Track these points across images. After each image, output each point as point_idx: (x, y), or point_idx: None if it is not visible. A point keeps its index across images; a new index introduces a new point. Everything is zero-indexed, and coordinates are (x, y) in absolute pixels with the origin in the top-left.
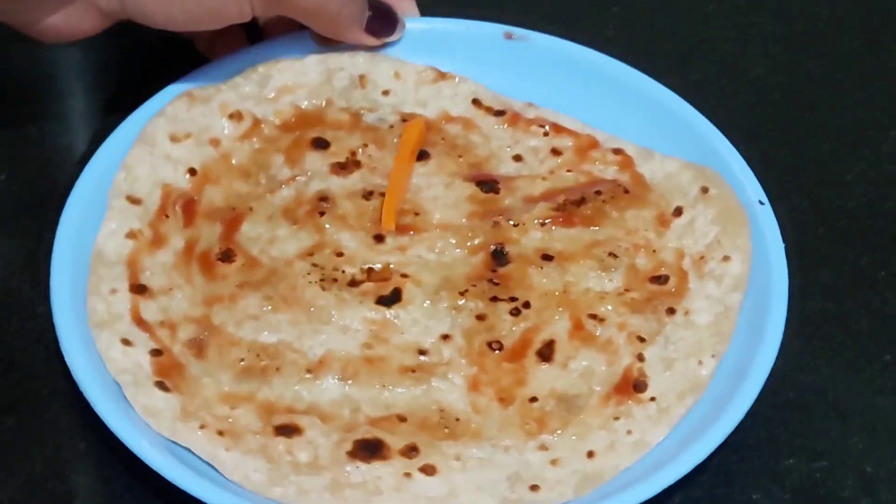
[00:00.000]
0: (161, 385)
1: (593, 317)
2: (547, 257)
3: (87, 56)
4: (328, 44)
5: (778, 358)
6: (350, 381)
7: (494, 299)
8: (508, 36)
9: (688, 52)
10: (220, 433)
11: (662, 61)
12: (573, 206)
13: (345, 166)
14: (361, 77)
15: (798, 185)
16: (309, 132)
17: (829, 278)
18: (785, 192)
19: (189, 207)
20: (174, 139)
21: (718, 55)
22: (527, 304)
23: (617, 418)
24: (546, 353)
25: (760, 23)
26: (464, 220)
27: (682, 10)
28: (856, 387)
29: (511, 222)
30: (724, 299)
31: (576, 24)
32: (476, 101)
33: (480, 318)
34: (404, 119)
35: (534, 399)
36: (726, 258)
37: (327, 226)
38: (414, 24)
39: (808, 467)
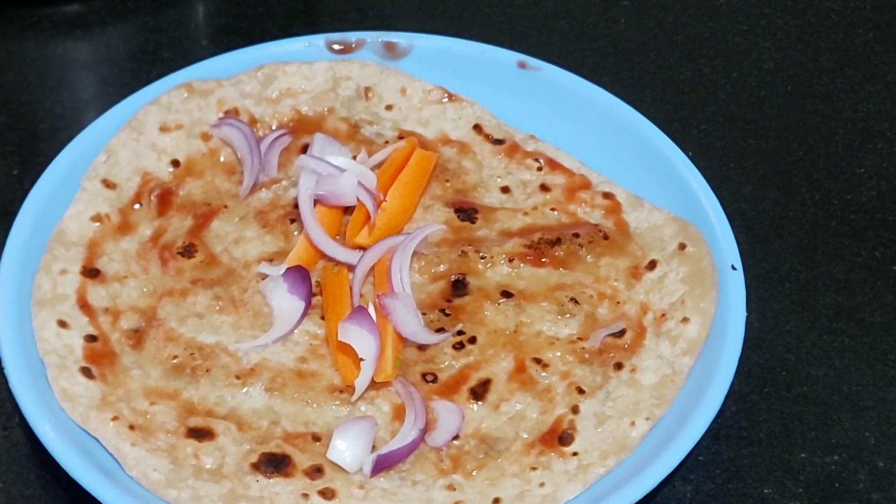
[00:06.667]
0: (86, 371)
1: (538, 361)
2: (507, 294)
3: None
4: (341, 52)
5: (791, 352)
6: (276, 393)
7: (441, 331)
8: (522, 65)
9: (699, 46)
10: (132, 427)
11: (673, 54)
12: (547, 245)
13: None
14: (367, 89)
15: (810, 178)
16: (303, 137)
17: (841, 272)
18: (797, 186)
19: (165, 198)
20: (164, 129)
21: (730, 48)
22: (473, 340)
23: (534, 468)
24: (479, 391)
25: (772, 16)
26: (433, 247)
27: (694, 3)
28: (869, 380)
29: (479, 254)
30: (674, 362)
31: (587, 18)
32: (477, 127)
33: (421, 348)
34: (402, 136)
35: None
36: (685, 320)
37: (295, 233)
38: (431, 43)
39: (821, 461)
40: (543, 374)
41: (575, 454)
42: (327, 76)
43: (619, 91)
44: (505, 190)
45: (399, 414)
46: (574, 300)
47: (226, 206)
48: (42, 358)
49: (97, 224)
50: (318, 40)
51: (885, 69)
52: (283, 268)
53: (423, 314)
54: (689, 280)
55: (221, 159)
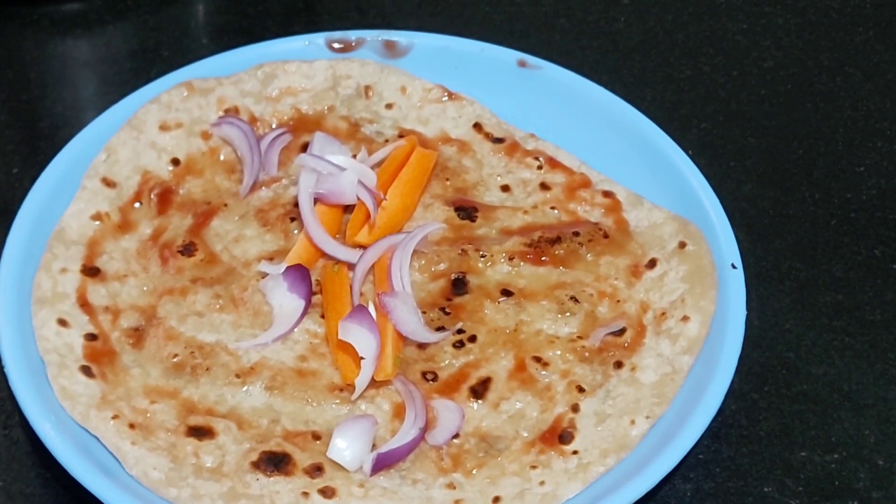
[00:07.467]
0: (86, 370)
1: (538, 360)
2: (507, 292)
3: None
4: (342, 51)
5: (791, 350)
6: (276, 391)
7: (441, 329)
8: (522, 63)
9: (699, 44)
10: (132, 426)
11: (673, 53)
12: (547, 244)
13: None
14: (367, 88)
15: (810, 176)
16: (303, 136)
17: (841, 270)
18: (797, 184)
19: (165, 197)
20: (164, 127)
21: (730, 47)
22: (473, 338)
23: (534, 467)
24: (479, 390)
25: (772, 14)
26: (433, 245)
27: (694, 2)
28: (869, 378)
29: (480, 253)
30: (675, 361)
31: (587, 16)
32: (477, 126)
33: (422, 346)
34: (402, 135)
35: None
36: (686, 318)
37: (295, 231)
38: (431, 42)
39: (821, 459)
40: (543, 372)
41: (575, 453)
42: (327, 75)
43: (619, 89)
44: (505, 188)
45: (399, 412)
46: (574, 299)
47: (226, 205)
48: (42, 356)
49: (97, 223)
50: (318, 39)
51: (885, 67)
52: (283, 266)
53: (424, 313)
54: (690, 278)
55: (221, 158)
